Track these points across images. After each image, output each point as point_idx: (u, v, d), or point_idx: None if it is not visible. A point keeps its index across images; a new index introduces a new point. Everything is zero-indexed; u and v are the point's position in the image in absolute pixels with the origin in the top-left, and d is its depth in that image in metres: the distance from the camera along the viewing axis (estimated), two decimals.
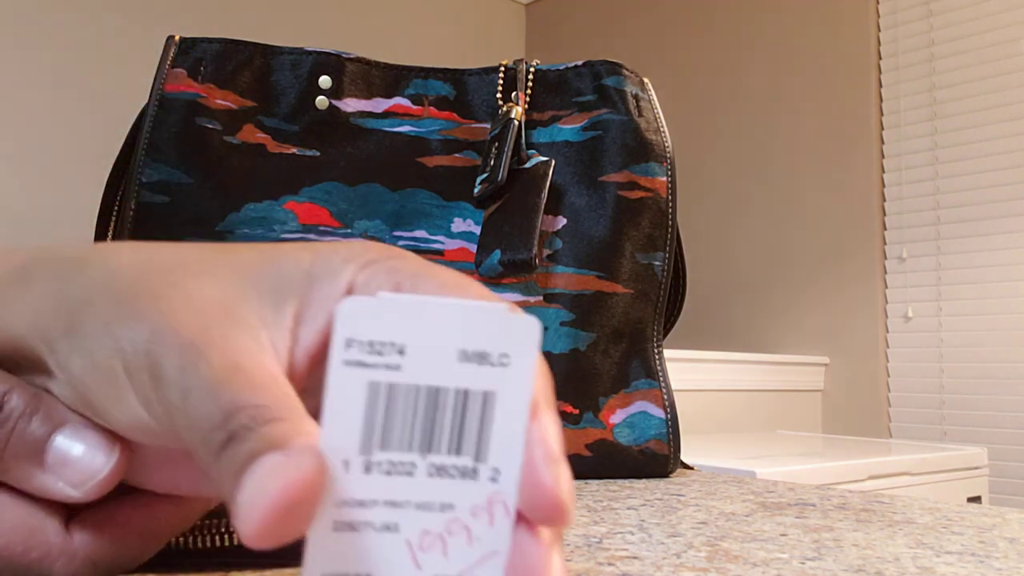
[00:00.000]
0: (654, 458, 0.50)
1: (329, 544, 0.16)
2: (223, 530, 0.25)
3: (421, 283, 0.19)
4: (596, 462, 0.49)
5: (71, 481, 0.20)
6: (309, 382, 0.19)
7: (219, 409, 0.17)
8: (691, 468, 0.55)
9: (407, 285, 0.19)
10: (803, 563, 0.28)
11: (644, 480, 0.49)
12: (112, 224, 0.49)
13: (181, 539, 0.24)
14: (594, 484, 0.47)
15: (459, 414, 0.17)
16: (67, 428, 0.20)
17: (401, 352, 0.17)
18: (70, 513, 0.21)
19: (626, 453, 0.50)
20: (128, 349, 0.18)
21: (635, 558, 0.29)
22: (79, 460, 0.20)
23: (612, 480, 0.49)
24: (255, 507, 0.15)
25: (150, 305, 0.19)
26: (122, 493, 0.22)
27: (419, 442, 0.17)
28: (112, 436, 0.20)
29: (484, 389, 0.17)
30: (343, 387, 0.17)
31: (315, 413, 0.17)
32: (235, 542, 0.25)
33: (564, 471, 0.17)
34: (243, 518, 0.15)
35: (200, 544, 0.25)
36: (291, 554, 0.26)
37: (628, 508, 0.39)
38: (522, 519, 0.17)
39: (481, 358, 0.17)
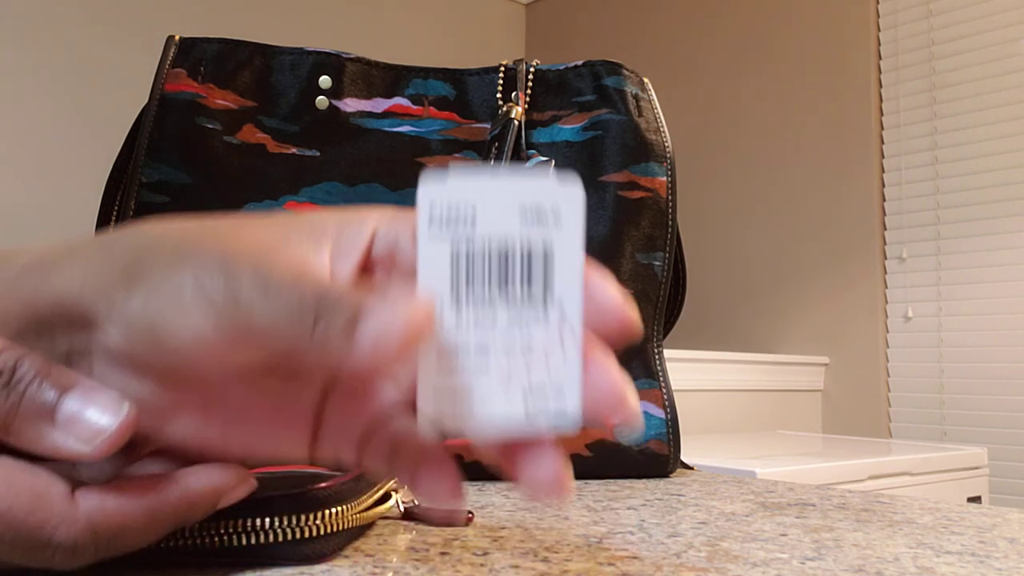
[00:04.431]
0: (654, 458, 0.50)
1: (435, 385, 0.20)
2: (223, 531, 0.25)
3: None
4: (596, 462, 0.49)
5: (82, 437, 0.21)
6: None
7: (304, 292, 0.19)
8: (691, 468, 0.55)
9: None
10: (803, 563, 0.28)
11: (644, 480, 0.49)
12: (112, 224, 0.49)
13: (182, 540, 0.24)
14: (594, 484, 0.47)
15: (527, 264, 0.21)
16: (77, 388, 0.21)
17: (473, 220, 0.21)
18: (78, 483, 0.21)
19: (626, 453, 0.50)
20: (198, 273, 0.20)
21: (635, 558, 0.29)
22: (90, 417, 0.21)
23: (612, 480, 0.49)
24: (387, 331, 0.18)
25: (212, 242, 0.21)
26: (134, 469, 0.23)
27: (497, 293, 0.21)
28: (121, 396, 0.21)
29: (543, 240, 0.21)
30: (430, 255, 0.20)
31: None
32: (235, 543, 0.25)
33: (622, 291, 0.21)
34: (374, 342, 0.18)
35: (202, 543, 0.25)
36: (290, 555, 0.26)
37: (628, 508, 0.39)
38: (586, 348, 0.21)
39: (539, 217, 0.21)
